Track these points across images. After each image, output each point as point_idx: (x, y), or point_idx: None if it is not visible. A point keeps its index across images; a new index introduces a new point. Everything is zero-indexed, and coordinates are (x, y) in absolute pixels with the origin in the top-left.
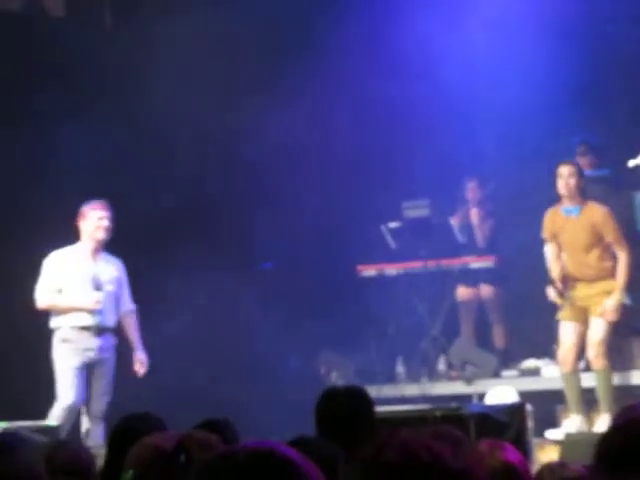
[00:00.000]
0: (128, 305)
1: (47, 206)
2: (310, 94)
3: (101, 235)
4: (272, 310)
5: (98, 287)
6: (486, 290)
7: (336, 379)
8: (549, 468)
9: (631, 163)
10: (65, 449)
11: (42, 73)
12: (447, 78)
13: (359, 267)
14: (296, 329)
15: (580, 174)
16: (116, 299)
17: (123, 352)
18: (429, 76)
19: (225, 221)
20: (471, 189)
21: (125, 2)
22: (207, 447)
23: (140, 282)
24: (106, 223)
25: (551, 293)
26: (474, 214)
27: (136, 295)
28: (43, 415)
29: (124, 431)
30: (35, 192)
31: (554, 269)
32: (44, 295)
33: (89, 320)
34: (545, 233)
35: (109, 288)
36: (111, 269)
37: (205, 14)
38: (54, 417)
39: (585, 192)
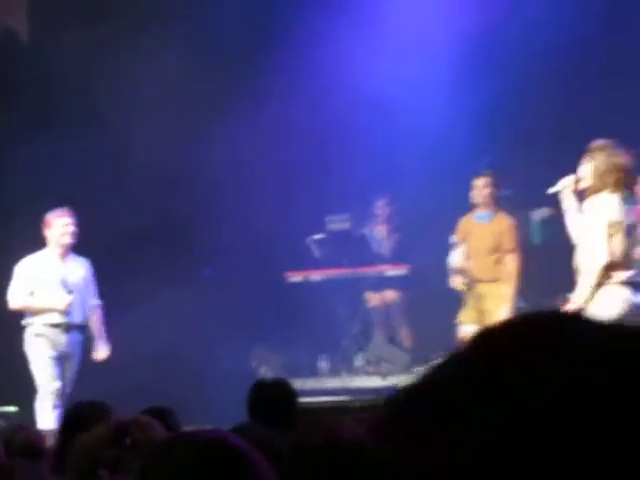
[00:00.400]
0: (93, 301)
1: (15, 216)
2: (239, 114)
3: (67, 240)
4: (212, 311)
5: (67, 288)
6: (396, 295)
7: (265, 372)
8: None
9: (551, 190)
10: (22, 433)
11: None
12: (365, 98)
13: (288, 273)
14: (233, 327)
15: (495, 185)
16: (83, 298)
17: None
18: (347, 96)
19: (174, 232)
20: (380, 206)
21: (83, 24)
22: (150, 431)
23: (106, 284)
24: (71, 228)
25: (457, 281)
26: (382, 229)
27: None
28: (2, 402)
29: (74, 416)
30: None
31: (461, 264)
32: (17, 297)
33: (59, 318)
34: (457, 236)
35: (77, 288)
36: (79, 270)
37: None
38: (43, 405)
39: (499, 202)
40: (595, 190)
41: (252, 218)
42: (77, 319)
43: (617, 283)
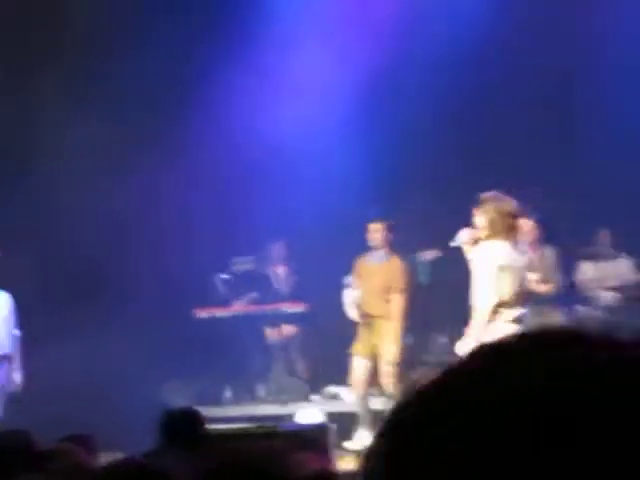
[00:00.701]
0: (14, 332)
1: None
2: (150, 164)
3: None
4: (129, 345)
5: None
6: (294, 330)
7: (178, 402)
8: None
9: (452, 244)
10: None
11: None
12: (264, 145)
13: (195, 310)
14: (148, 360)
15: (389, 229)
16: (7, 330)
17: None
18: (248, 144)
19: (93, 272)
20: (277, 248)
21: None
22: (73, 457)
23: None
24: None
25: (352, 312)
26: (280, 269)
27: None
28: None
29: None
30: None
31: (356, 300)
32: None
33: None
34: (353, 275)
35: (3, 321)
36: (3, 304)
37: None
38: None
39: (392, 245)
40: (488, 238)
41: (163, 259)
42: (4, 350)
43: (506, 321)
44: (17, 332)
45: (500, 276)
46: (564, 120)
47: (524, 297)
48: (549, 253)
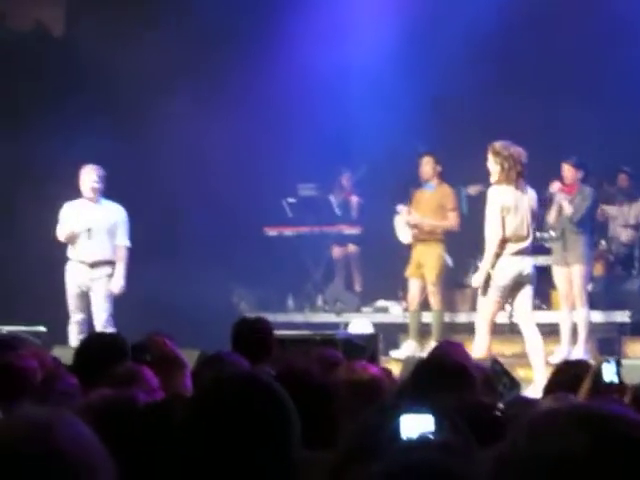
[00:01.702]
0: (121, 241)
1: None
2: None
3: (91, 191)
4: (203, 259)
5: (90, 229)
6: (352, 250)
7: (243, 307)
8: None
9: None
10: None
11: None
12: (331, 82)
13: (265, 228)
14: (219, 271)
15: (436, 162)
16: (109, 238)
17: None
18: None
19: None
20: (345, 178)
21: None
22: (163, 347)
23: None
24: (96, 183)
25: (403, 236)
26: (344, 196)
27: None
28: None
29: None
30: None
31: (408, 225)
32: (58, 233)
33: (83, 256)
34: (409, 204)
35: (102, 229)
36: (107, 214)
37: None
38: (71, 329)
39: (443, 176)
40: (497, 183)
41: (238, 187)
42: (99, 257)
43: (510, 254)
44: (126, 242)
45: (505, 216)
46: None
47: (527, 234)
48: (587, 191)
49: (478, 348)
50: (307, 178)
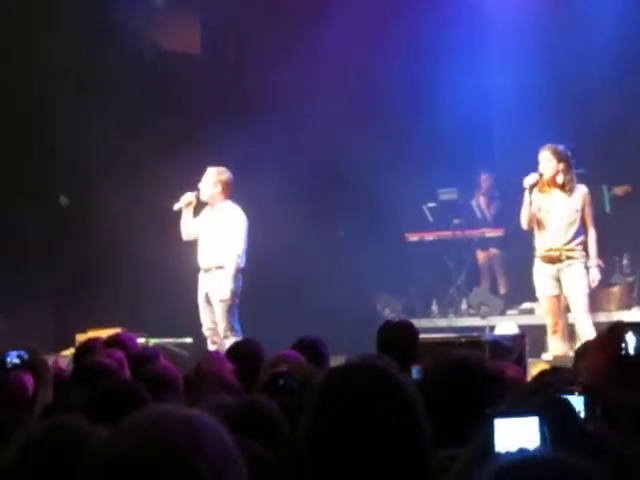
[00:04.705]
0: (235, 248)
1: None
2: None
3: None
4: (345, 263)
5: (206, 234)
6: (495, 253)
7: (388, 314)
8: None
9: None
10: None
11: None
12: (463, 89)
13: (406, 234)
14: (360, 278)
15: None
16: (225, 243)
17: None
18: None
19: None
20: (483, 180)
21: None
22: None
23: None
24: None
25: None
26: (484, 198)
27: None
28: (183, 333)
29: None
30: None
31: None
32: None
33: (200, 262)
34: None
35: (217, 234)
36: (223, 218)
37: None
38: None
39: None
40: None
41: (378, 188)
42: (214, 262)
43: None
44: (240, 251)
45: None
46: None
47: None
48: None
49: None
50: (447, 182)
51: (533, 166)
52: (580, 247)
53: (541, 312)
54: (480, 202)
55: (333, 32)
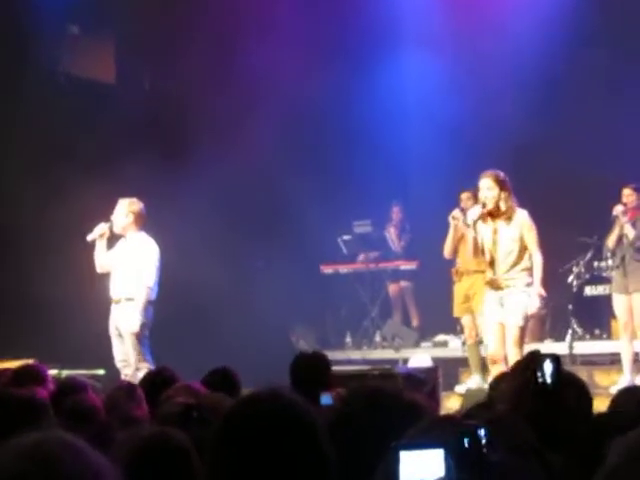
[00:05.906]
0: (145, 279)
1: None
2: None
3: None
4: (263, 298)
5: (116, 264)
6: (406, 285)
7: (302, 346)
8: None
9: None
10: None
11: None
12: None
13: (321, 266)
14: (276, 310)
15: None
16: (133, 274)
17: None
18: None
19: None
20: (395, 212)
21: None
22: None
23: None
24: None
25: None
26: (394, 230)
27: None
28: (95, 365)
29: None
30: None
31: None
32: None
33: (111, 294)
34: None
35: (125, 264)
36: (132, 248)
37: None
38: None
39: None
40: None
41: (298, 219)
42: (124, 294)
43: None
44: (150, 283)
45: None
46: None
47: None
48: None
49: None
50: (363, 214)
51: (448, 194)
52: (523, 274)
53: (454, 344)
54: (391, 233)
55: (255, 60)
